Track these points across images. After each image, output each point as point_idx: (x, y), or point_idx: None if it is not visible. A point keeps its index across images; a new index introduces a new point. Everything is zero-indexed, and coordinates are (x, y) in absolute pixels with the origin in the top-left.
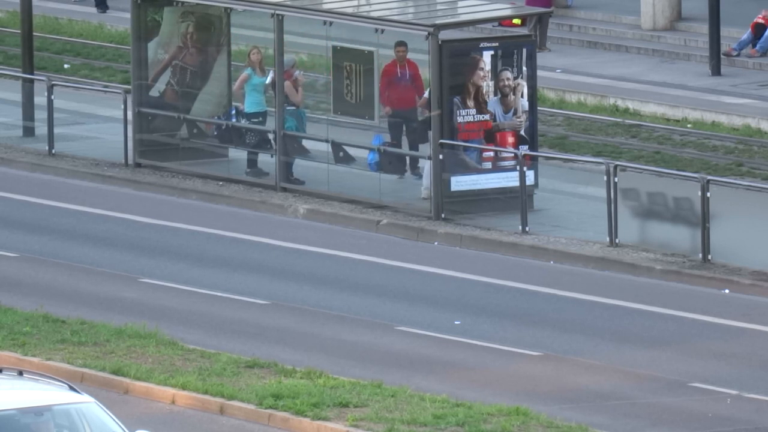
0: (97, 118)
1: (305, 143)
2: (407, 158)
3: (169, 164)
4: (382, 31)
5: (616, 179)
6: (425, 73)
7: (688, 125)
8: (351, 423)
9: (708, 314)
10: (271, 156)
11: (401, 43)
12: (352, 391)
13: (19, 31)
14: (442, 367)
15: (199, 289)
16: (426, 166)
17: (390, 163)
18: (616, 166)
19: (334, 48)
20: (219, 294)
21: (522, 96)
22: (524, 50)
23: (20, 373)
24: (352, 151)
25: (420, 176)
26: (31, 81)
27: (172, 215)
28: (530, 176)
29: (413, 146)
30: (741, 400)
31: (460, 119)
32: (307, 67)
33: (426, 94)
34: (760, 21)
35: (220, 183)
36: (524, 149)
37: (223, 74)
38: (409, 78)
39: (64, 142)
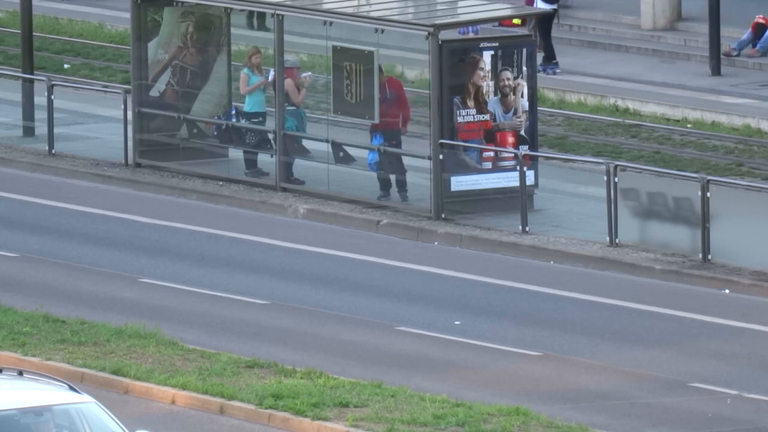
0: (97, 118)
1: (305, 143)
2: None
3: (169, 164)
4: (382, 31)
5: (616, 179)
6: (428, 73)
7: (688, 125)
8: (351, 423)
9: (708, 314)
10: (271, 156)
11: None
12: (352, 391)
13: (19, 31)
14: (442, 367)
15: (199, 289)
16: None
17: (390, 163)
18: (616, 166)
19: (334, 48)
20: (219, 294)
21: (522, 96)
22: (524, 50)
23: (20, 373)
24: (352, 151)
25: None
26: (31, 81)
27: (172, 215)
28: (530, 176)
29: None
30: (741, 400)
31: (460, 119)
32: (307, 67)
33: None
34: (761, 21)
35: (220, 183)
36: (524, 149)
37: (223, 74)
38: (390, 97)
39: (64, 142)
